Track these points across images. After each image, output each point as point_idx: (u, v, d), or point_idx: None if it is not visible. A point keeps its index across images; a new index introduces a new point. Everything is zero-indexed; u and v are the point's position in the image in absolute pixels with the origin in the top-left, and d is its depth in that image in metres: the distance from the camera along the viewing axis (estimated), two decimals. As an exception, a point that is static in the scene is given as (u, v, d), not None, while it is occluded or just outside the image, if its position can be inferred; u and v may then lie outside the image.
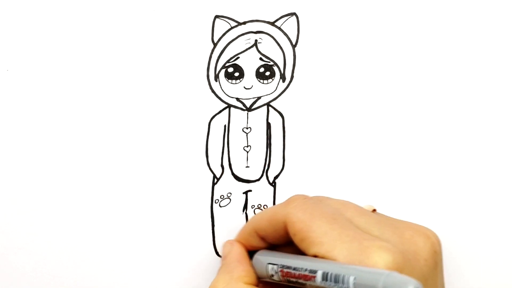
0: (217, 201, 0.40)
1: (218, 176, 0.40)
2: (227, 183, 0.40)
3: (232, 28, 0.41)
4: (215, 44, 0.41)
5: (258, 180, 0.40)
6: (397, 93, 0.40)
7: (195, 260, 0.40)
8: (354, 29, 0.41)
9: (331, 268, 0.29)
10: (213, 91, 0.41)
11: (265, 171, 0.40)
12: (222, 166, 0.40)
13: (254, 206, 0.40)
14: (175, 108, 0.40)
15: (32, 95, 0.40)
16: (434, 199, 0.40)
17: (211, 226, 0.40)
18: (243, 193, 0.40)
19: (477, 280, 0.39)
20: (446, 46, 0.41)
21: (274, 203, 0.40)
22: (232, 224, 0.40)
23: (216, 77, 0.41)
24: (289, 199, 0.34)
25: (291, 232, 0.32)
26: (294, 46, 0.41)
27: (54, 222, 0.40)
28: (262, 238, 0.35)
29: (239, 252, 0.36)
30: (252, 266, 0.35)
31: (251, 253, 0.36)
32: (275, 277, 0.33)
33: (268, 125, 0.41)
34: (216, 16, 0.41)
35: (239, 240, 0.37)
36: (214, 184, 0.40)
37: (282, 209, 0.33)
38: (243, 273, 0.35)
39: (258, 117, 0.41)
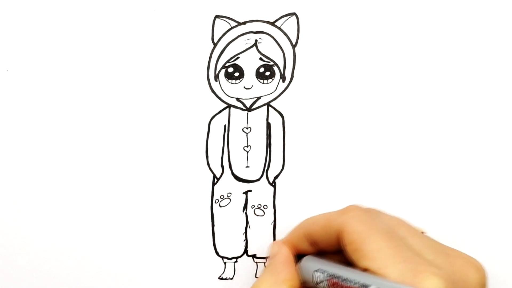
0: (217, 201, 0.40)
1: (218, 176, 0.40)
2: (227, 183, 0.40)
3: (232, 28, 0.41)
4: (215, 44, 0.41)
5: (258, 180, 0.40)
6: (397, 92, 0.40)
7: (195, 260, 0.40)
8: (354, 29, 0.41)
9: (384, 285, 0.29)
10: (213, 91, 0.41)
11: (265, 171, 0.40)
12: (222, 166, 0.40)
13: (254, 206, 0.40)
14: (175, 108, 0.40)
15: (32, 95, 0.40)
16: (433, 198, 0.40)
17: (211, 226, 0.40)
18: (243, 193, 0.40)
19: None
20: (446, 46, 0.41)
21: (274, 203, 0.40)
22: (232, 224, 0.40)
23: (216, 77, 0.41)
24: (346, 208, 0.33)
25: (345, 241, 0.32)
26: (294, 46, 0.41)
27: (54, 222, 0.40)
28: (312, 243, 0.35)
29: (286, 255, 0.36)
30: (298, 270, 0.35)
31: (297, 256, 0.36)
32: (321, 285, 0.33)
33: (268, 125, 0.41)
34: (216, 16, 0.41)
35: (287, 242, 0.37)
36: (214, 184, 0.40)
37: (338, 217, 0.33)
38: (288, 276, 0.34)
39: (258, 117, 0.41)
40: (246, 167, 0.40)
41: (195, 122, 0.40)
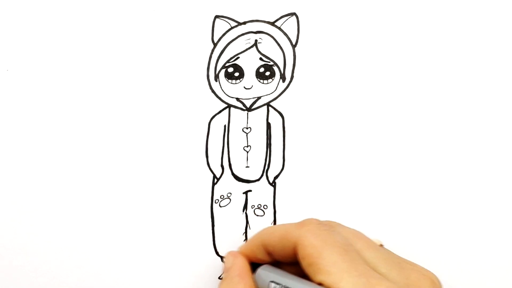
0: (217, 201, 0.40)
1: (218, 176, 0.40)
2: (227, 183, 0.40)
3: (232, 28, 0.41)
4: (215, 44, 0.41)
5: (258, 180, 0.40)
6: (397, 92, 0.40)
7: (195, 260, 0.40)
8: (354, 29, 0.41)
9: None
10: (213, 91, 0.41)
11: (265, 171, 0.40)
12: (222, 166, 0.40)
13: (254, 206, 0.40)
14: (175, 108, 0.40)
15: (32, 95, 0.40)
16: (431, 201, 0.40)
17: (211, 226, 0.40)
18: (243, 193, 0.40)
19: None
20: (446, 46, 0.41)
21: (274, 203, 0.40)
22: (232, 224, 0.40)
23: (216, 77, 0.41)
24: (303, 221, 0.34)
25: (300, 255, 0.32)
26: (294, 46, 0.41)
27: (54, 222, 0.40)
28: (269, 253, 0.35)
29: (242, 266, 0.36)
30: (254, 280, 0.35)
31: (253, 265, 0.36)
32: None
33: (268, 125, 0.41)
34: (216, 16, 0.41)
35: (244, 251, 0.37)
36: (214, 184, 0.40)
37: (295, 230, 0.33)
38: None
39: (258, 117, 0.41)
40: (246, 167, 0.40)
41: (195, 122, 0.40)
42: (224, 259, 0.39)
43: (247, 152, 0.40)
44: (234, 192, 0.40)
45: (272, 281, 0.33)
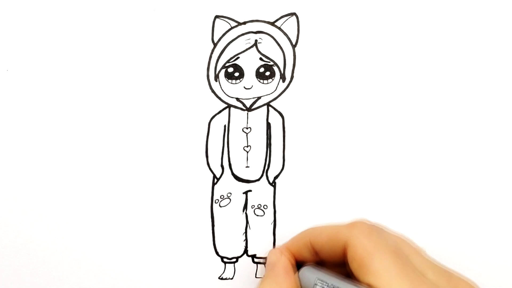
0: (217, 201, 0.40)
1: (218, 176, 0.40)
2: (227, 183, 0.40)
3: (232, 28, 0.41)
4: (215, 44, 0.41)
5: (258, 180, 0.40)
6: (397, 92, 0.40)
7: (195, 260, 0.40)
8: (354, 29, 0.41)
9: None
10: (213, 91, 0.41)
11: (265, 171, 0.40)
12: (222, 166, 0.40)
13: (254, 206, 0.40)
14: (176, 108, 0.40)
15: (32, 95, 0.40)
16: (431, 198, 0.40)
17: (211, 226, 0.40)
18: (243, 193, 0.40)
19: None
20: (445, 46, 0.41)
21: (274, 203, 0.40)
22: (232, 224, 0.40)
23: (216, 77, 0.41)
24: (353, 222, 0.33)
25: (351, 256, 0.32)
26: (294, 46, 0.41)
27: (54, 222, 0.40)
28: (315, 253, 0.35)
29: (286, 263, 0.36)
30: (298, 280, 0.35)
31: (296, 264, 0.36)
32: None
33: (268, 125, 0.41)
34: (216, 16, 0.41)
35: (288, 248, 0.37)
36: (214, 184, 0.40)
37: (346, 230, 0.33)
38: (289, 286, 0.34)
39: (258, 117, 0.41)
40: (246, 167, 0.40)
41: (195, 122, 0.40)
42: (268, 253, 0.38)
43: (247, 152, 0.40)
44: (234, 192, 0.40)
45: (319, 279, 0.33)
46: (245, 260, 0.40)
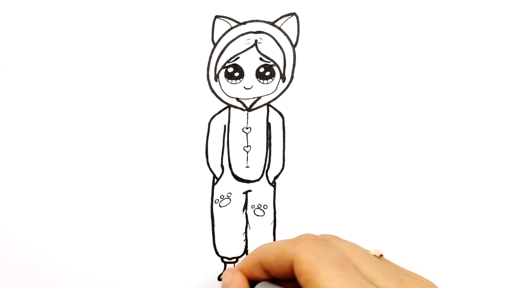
0: (217, 201, 0.40)
1: (218, 176, 0.40)
2: (227, 183, 0.40)
3: (232, 28, 0.41)
4: (215, 44, 0.41)
5: (258, 180, 0.40)
6: (397, 92, 0.40)
7: (195, 260, 0.40)
8: (354, 29, 0.41)
9: None
10: (213, 91, 0.41)
11: (265, 171, 0.40)
12: (222, 166, 0.40)
13: (254, 206, 0.40)
14: (175, 108, 0.40)
15: (32, 95, 0.40)
16: (431, 201, 0.40)
17: (211, 226, 0.40)
18: (243, 193, 0.40)
19: None
20: (445, 46, 0.41)
21: (274, 203, 0.40)
22: (232, 224, 0.40)
23: (216, 77, 0.41)
24: (298, 237, 0.34)
25: (297, 271, 0.32)
26: (294, 46, 0.41)
27: (54, 222, 0.40)
28: (266, 271, 0.35)
29: (240, 283, 0.36)
30: None
31: (251, 282, 0.36)
32: None
33: (268, 125, 0.41)
34: (216, 16, 0.41)
35: (242, 268, 0.37)
36: (214, 184, 0.40)
37: (291, 247, 0.33)
38: None
39: (258, 117, 0.41)
40: (246, 167, 0.40)
41: (195, 122, 0.40)
42: (222, 276, 0.39)
43: (247, 152, 0.40)
44: (234, 192, 0.40)
45: None
46: (245, 260, 0.40)
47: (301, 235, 0.34)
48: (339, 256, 0.32)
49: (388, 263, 0.34)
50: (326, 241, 0.33)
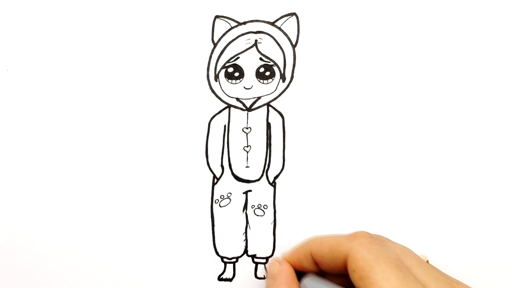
0: (217, 201, 0.40)
1: (218, 176, 0.40)
2: (227, 183, 0.40)
3: (232, 28, 0.41)
4: (215, 44, 0.41)
5: (258, 180, 0.40)
6: (397, 92, 0.40)
7: (195, 260, 0.40)
8: (354, 29, 0.41)
9: None
10: (213, 91, 0.41)
11: (265, 171, 0.40)
12: (222, 166, 0.40)
13: (254, 206, 0.40)
14: (175, 108, 0.40)
15: (32, 95, 0.40)
16: (431, 197, 0.40)
17: (211, 226, 0.40)
18: (243, 193, 0.40)
19: None
20: (445, 46, 0.41)
21: (274, 203, 0.40)
22: (232, 224, 0.40)
23: (216, 77, 0.41)
24: (354, 233, 0.33)
25: (351, 267, 0.32)
26: (294, 46, 0.41)
27: (54, 222, 0.40)
28: (316, 263, 0.35)
29: (289, 274, 0.36)
30: None
31: (297, 274, 0.36)
32: None
33: (268, 125, 0.41)
34: (216, 16, 0.41)
35: (290, 259, 0.37)
36: (214, 184, 0.40)
37: (347, 242, 0.33)
38: None
39: (258, 117, 0.41)
40: (246, 167, 0.40)
41: (195, 122, 0.40)
42: (268, 265, 0.38)
43: (247, 152, 0.40)
44: (234, 192, 0.40)
45: None
46: (245, 260, 0.40)
47: (357, 232, 0.34)
48: (395, 257, 0.32)
49: (438, 270, 0.33)
50: (381, 241, 0.33)
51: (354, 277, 0.32)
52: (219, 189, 0.40)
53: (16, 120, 0.40)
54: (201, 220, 0.40)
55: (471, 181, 0.40)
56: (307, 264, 0.35)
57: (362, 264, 0.31)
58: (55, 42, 0.41)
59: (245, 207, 0.40)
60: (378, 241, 0.33)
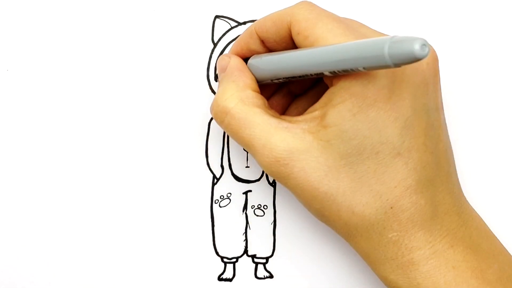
0: (217, 201, 0.40)
1: (218, 176, 0.40)
2: (227, 183, 0.40)
3: (232, 28, 0.41)
4: (215, 44, 0.41)
5: (258, 180, 0.40)
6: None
7: (195, 260, 0.40)
8: (354, 29, 0.41)
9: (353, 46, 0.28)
10: (213, 91, 0.41)
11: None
12: (222, 166, 0.40)
13: (254, 206, 0.40)
14: (175, 108, 0.40)
15: (32, 95, 0.40)
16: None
17: (211, 226, 0.40)
18: (243, 193, 0.40)
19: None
20: (445, 46, 0.40)
21: (274, 203, 0.40)
22: (232, 224, 0.40)
23: (216, 77, 0.41)
24: (296, 4, 0.34)
25: (295, 31, 0.32)
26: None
27: (53, 222, 0.40)
28: (262, 41, 0.35)
29: (238, 62, 0.36)
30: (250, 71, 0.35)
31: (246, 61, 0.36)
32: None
33: (268, 125, 0.41)
34: (216, 16, 0.41)
35: (236, 45, 0.37)
36: (214, 184, 0.40)
37: (288, 9, 0.33)
38: (248, 81, 0.34)
39: (258, 117, 0.41)
40: (246, 167, 0.40)
41: (195, 122, 0.40)
42: (217, 62, 0.38)
43: (247, 152, 0.40)
44: (234, 192, 0.40)
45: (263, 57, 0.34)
46: (245, 260, 0.40)
47: (299, 2, 0.34)
48: (338, 17, 0.32)
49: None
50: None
51: (299, 40, 0.32)
52: (219, 189, 0.40)
53: (16, 120, 0.40)
54: (201, 220, 0.40)
55: (471, 181, 0.40)
56: (254, 46, 0.35)
57: (305, 24, 0.32)
58: (55, 42, 0.41)
59: (245, 207, 0.40)
60: (319, 7, 0.33)
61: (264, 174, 0.40)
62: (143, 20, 0.41)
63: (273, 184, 0.40)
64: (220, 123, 0.34)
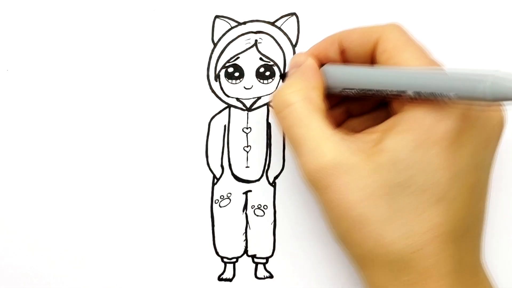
0: (217, 201, 0.40)
1: (218, 176, 0.40)
2: (227, 183, 0.40)
3: (232, 28, 0.41)
4: (215, 44, 0.41)
5: (258, 180, 0.40)
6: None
7: (195, 260, 0.40)
8: (354, 29, 0.41)
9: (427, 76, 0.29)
10: (213, 91, 0.41)
11: (265, 171, 0.40)
12: (222, 166, 0.40)
13: (254, 206, 0.40)
14: (175, 108, 0.40)
15: (32, 95, 0.40)
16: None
17: (211, 226, 0.40)
18: (243, 193, 0.40)
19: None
20: (445, 46, 0.40)
21: (274, 203, 0.40)
22: (232, 224, 0.40)
23: (216, 77, 0.41)
24: (388, 23, 0.33)
25: (382, 48, 0.32)
26: (294, 46, 0.41)
27: (54, 222, 0.40)
28: (342, 52, 0.34)
29: (314, 64, 0.35)
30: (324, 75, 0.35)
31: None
32: (349, 92, 0.33)
33: (268, 125, 0.41)
34: (216, 16, 0.41)
35: (314, 48, 0.36)
36: (214, 184, 0.40)
37: (379, 27, 0.33)
38: (318, 84, 0.34)
39: (258, 117, 0.41)
40: (246, 167, 0.40)
41: (195, 122, 0.40)
42: (292, 58, 0.37)
43: (247, 152, 0.40)
44: (234, 192, 0.40)
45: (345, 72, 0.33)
46: (245, 260, 0.40)
47: (391, 22, 0.33)
48: (425, 49, 0.32)
49: None
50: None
51: (382, 59, 0.32)
52: (219, 189, 0.40)
53: (16, 120, 0.40)
54: (201, 220, 0.40)
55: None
56: (332, 53, 0.35)
57: (394, 44, 0.31)
58: (55, 42, 0.41)
59: (245, 207, 0.40)
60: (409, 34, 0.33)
61: (264, 174, 0.40)
62: (143, 20, 0.41)
63: (273, 184, 0.40)
64: (277, 113, 0.33)
